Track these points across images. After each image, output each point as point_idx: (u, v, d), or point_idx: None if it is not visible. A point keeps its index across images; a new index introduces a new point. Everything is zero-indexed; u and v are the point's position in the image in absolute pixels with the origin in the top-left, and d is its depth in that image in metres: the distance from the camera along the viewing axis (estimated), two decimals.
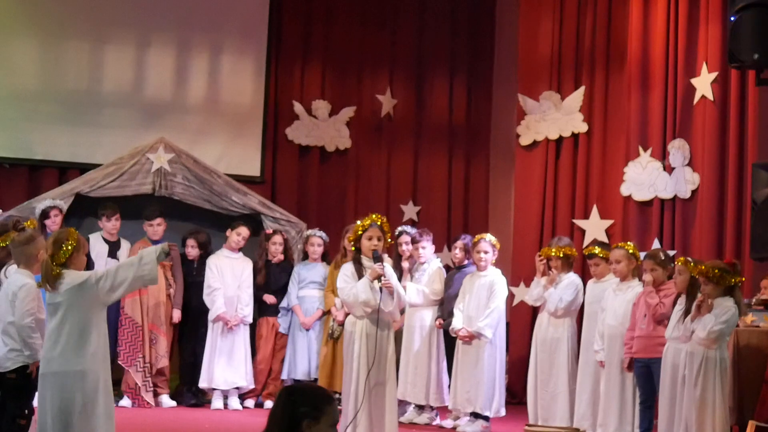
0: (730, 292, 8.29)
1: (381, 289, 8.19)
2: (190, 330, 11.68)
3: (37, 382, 7.06)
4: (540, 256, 10.67)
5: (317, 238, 11.78)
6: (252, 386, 11.58)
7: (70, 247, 6.90)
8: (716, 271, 8.24)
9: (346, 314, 8.84)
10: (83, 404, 6.82)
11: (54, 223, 11.06)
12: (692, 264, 8.61)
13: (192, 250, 11.73)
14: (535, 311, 11.49)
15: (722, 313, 8.19)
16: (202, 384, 11.46)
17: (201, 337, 11.56)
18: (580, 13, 13.03)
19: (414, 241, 11.01)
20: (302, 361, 11.53)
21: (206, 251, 11.76)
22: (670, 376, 8.61)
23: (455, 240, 11.27)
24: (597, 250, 10.22)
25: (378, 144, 14.37)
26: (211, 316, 11.45)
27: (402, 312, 10.64)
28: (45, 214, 11.14)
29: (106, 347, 7.05)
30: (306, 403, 4.52)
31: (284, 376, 11.64)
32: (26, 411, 7.30)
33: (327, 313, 11.48)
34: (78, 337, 6.84)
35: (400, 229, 11.41)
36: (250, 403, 11.59)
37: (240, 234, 11.64)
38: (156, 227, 11.54)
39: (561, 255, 10.39)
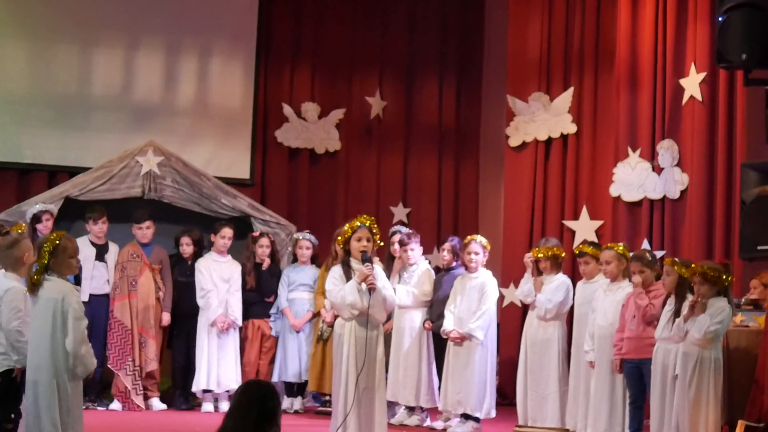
0: (724, 293, 8.32)
1: (370, 291, 8.17)
2: (183, 331, 11.64)
3: (24, 386, 7.07)
4: (529, 255, 10.68)
5: (306, 241, 11.78)
6: None
7: (45, 251, 6.94)
8: (713, 271, 8.26)
9: (335, 316, 8.81)
10: (50, 416, 6.87)
11: (46, 227, 11.05)
12: (680, 264, 8.62)
13: (187, 248, 11.72)
14: (524, 312, 11.49)
15: (717, 313, 8.21)
16: (196, 388, 11.45)
17: (194, 338, 11.55)
18: (569, 14, 13.04)
19: (402, 243, 11.00)
20: (293, 363, 11.51)
21: (200, 248, 11.77)
22: (660, 376, 8.62)
23: (443, 242, 11.27)
24: (588, 248, 10.21)
25: (368, 146, 14.37)
26: (208, 319, 11.45)
27: (389, 318, 10.63)
28: (37, 219, 11.13)
29: None
30: (272, 398, 4.60)
31: (275, 378, 11.62)
32: (12, 415, 7.27)
33: (317, 315, 11.47)
34: (51, 348, 6.87)
35: (393, 228, 11.41)
36: None
37: (224, 236, 11.63)
38: (145, 230, 11.53)
39: (549, 255, 10.39)
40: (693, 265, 8.46)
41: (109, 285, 11.40)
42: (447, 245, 11.04)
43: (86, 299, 11.07)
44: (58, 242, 7.02)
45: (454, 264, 10.88)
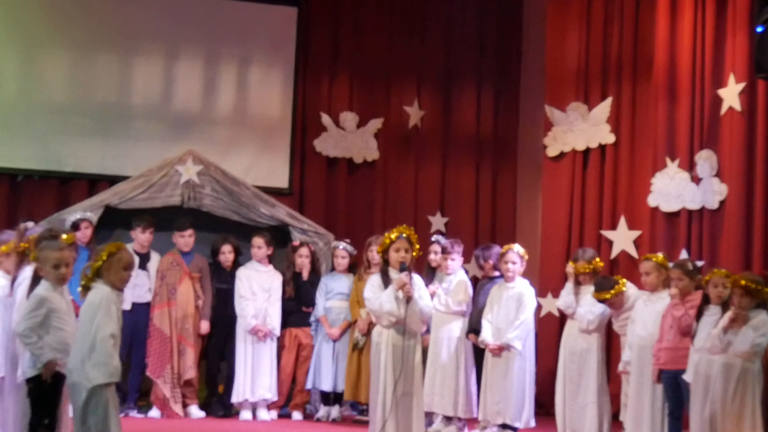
0: (763, 305, 8.31)
1: (407, 299, 8.19)
2: (225, 339, 11.66)
3: (57, 391, 7.15)
4: (571, 267, 10.64)
5: (343, 250, 11.79)
6: (276, 398, 11.61)
7: (101, 257, 7.09)
8: (755, 283, 8.25)
9: (370, 324, 8.82)
10: (86, 420, 6.96)
11: (84, 235, 11.13)
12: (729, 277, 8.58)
13: (230, 255, 11.73)
14: (562, 322, 11.47)
15: (760, 325, 8.22)
16: (236, 399, 11.46)
17: (231, 346, 11.58)
18: (607, 24, 13.02)
19: (445, 251, 10.96)
20: (329, 372, 11.54)
21: (238, 255, 11.81)
22: (702, 388, 8.57)
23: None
24: (608, 295, 10.01)
25: (406, 155, 14.37)
26: (245, 327, 11.46)
27: (428, 330, 10.64)
28: (75, 227, 11.18)
29: None
30: None
31: (309, 386, 11.64)
32: (46, 421, 7.30)
33: (353, 323, 11.48)
34: (88, 351, 6.94)
35: (434, 238, 11.38)
36: (273, 414, 11.60)
37: (253, 245, 11.61)
38: (187, 238, 11.57)
39: (590, 270, 10.37)
40: (731, 277, 8.44)
41: (151, 293, 11.45)
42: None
43: (128, 308, 11.14)
44: (114, 251, 7.14)
45: (497, 273, 10.84)
